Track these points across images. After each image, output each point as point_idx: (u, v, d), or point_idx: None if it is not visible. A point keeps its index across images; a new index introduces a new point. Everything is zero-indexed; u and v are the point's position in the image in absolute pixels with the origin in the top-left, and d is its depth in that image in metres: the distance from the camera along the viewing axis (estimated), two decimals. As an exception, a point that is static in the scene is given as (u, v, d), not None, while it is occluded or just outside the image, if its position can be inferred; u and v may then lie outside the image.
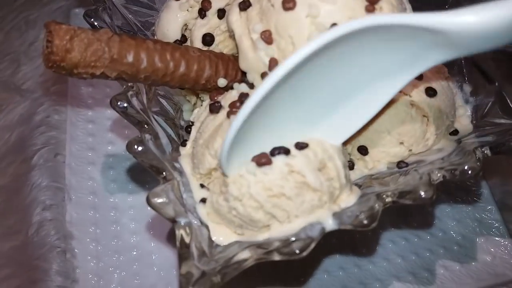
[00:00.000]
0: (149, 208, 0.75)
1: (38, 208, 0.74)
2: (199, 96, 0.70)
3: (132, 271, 0.71)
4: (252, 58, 0.58)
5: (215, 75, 0.59)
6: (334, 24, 0.52)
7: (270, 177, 0.50)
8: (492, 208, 0.75)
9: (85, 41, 0.48)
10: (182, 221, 0.49)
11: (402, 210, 0.75)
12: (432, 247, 0.72)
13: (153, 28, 0.75)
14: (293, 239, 0.47)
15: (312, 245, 0.47)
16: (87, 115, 0.85)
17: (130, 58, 0.51)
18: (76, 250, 0.72)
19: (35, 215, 0.74)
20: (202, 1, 0.67)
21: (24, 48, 0.93)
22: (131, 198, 0.77)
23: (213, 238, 0.53)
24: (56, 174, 0.78)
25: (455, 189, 0.77)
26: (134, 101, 0.57)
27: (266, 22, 0.56)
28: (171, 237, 0.73)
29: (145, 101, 0.60)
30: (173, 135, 0.62)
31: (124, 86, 0.57)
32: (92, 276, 0.71)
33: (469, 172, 0.52)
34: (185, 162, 0.59)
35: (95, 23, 0.64)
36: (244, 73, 0.61)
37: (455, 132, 0.66)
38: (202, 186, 0.57)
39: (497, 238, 0.73)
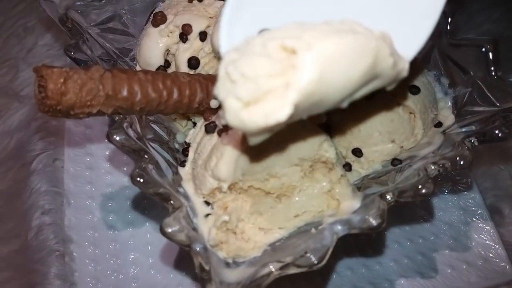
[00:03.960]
0: (146, 212, 0.79)
1: (37, 212, 0.75)
2: (190, 118, 0.70)
3: (130, 275, 0.73)
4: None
5: (207, 97, 0.60)
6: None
7: None
8: (483, 212, 0.76)
9: (78, 81, 0.48)
10: (197, 247, 0.49)
11: (403, 215, 0.77)
12: (436, 248, 0.74)
13: (132, 53, 0.75)
14: (308, 253, 0.48)
15: (329, 253, 0.48)
16: (85, 121, 0.86)
17: (124, 92, 0.51)
18: (74, 254, 0.74)
19: (35, 219, 0.75)
20: (182, 26, 0.67)
21: (23, 54, 0.94)
22: (128, 202, 0.79)
23: (221, 257, 0.53)
24: (55, 179, 0.79)
25: (446, 193, 0.78)
26: (130, 132, 0.57)
27: None
28: (169, 245, 0.74)
29: (139, 129, 0.60)
30: (171, 159, 0.62)
31: (117, 118, 0.57)
32: (90, 279, 0.72)
33: (462, 162, 0.53)
34: (187, 185, 0.59)
35: (76, 57, 0.63)
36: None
37: (439, 124, 0.68)
38: (207, 203, 0.58)
39: (487, 242, 0.74)
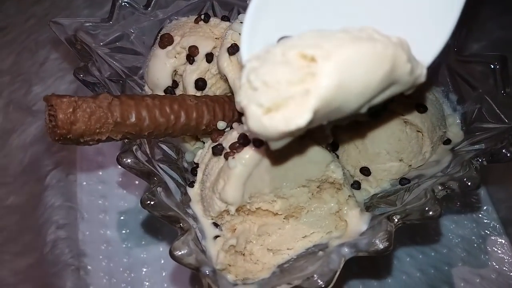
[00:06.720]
0: (158, 225, 0.80)
1: (52, 227, 0.77)
2: (198, 137, 0.71)
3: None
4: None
5: (214, 119, 0.60)
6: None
7: None
8: (496, 225, 0.76)
9: (87, 110, 0.48)
10: (207, 270, 0.49)
11: (415, 228, 0.76)
12: (449, 261, 0.74)
13: (141, 72, 0.76)
14: (316, 276, 0.48)
15: (336, 276, 0.48)
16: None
17: (132, 118, 0.52)
18: (89, 267, 0.75)
19: (49, 234, 0.76)
20: (189, 47, 0.67)
21: (35, 68, 0.95)
22: (141, 216, 0.79)
23: (230, 280, 0.53)
24: (69, 193, 0.81)
25: (458, 205, 0.77)
26: (139, 155, 0.57)
27: None
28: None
29: (148, 151, 0.61)
30: (179, 179, 0.63)
31: (126, 140, 0.58)
32: (105, 292, 0.73)
33: (469, 183, 0.53)
34: (196, 206, 0.60)
35: (85, 79, 0.64)
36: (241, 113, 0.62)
37: (448, 141, 0.67)
38: (216, 225, 0.58)
39: (501, 255, 0.73)
